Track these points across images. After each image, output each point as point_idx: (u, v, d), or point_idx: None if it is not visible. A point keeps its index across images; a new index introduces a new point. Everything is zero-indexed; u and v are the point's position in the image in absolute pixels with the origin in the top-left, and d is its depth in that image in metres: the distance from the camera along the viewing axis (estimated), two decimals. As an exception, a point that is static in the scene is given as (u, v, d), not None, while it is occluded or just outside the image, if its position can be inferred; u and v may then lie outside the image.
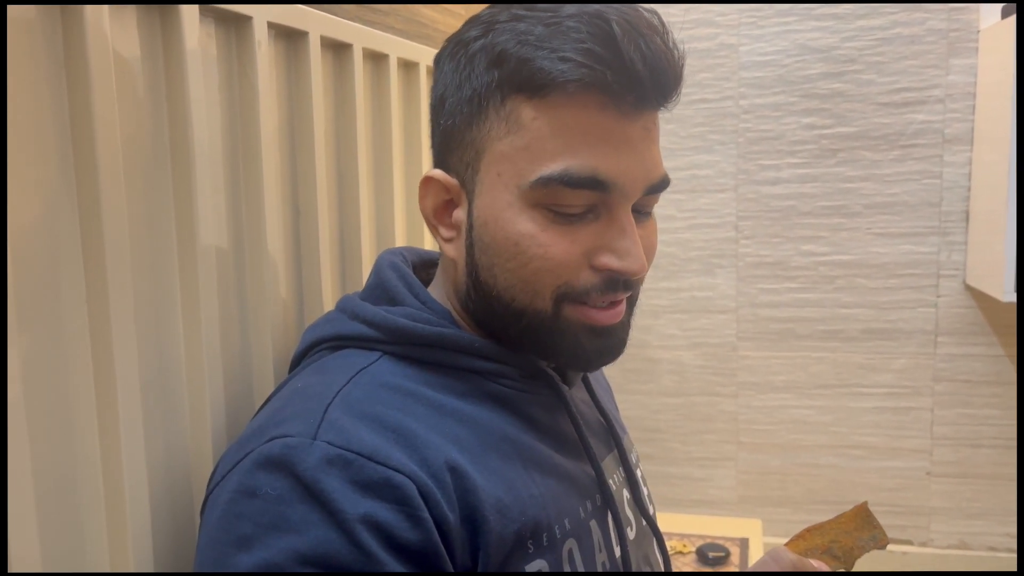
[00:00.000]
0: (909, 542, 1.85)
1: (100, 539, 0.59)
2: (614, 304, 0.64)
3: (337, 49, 0.87)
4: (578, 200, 0.60)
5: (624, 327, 0.66)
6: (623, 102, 0.59)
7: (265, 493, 0.55)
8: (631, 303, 0.67)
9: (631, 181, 0.61)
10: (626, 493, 0.76)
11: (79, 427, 0.57)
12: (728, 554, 1.42)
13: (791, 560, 0.61)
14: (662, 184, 0.64)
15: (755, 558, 1.45)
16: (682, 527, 1.55)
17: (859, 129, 1.74)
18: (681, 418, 1.92)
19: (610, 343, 0.65)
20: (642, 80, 0.58)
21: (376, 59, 0.95)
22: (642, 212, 0.65)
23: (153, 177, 0.64)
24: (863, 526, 0.66)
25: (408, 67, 1.02)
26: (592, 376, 0.82)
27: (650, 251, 0.66)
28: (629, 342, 0.68)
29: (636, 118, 0.60)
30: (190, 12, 0.62)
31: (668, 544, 1.49)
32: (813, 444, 1.86)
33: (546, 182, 0.59)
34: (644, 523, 0.77)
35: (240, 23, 0.70)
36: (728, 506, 1.92)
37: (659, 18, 0.62)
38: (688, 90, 1.81)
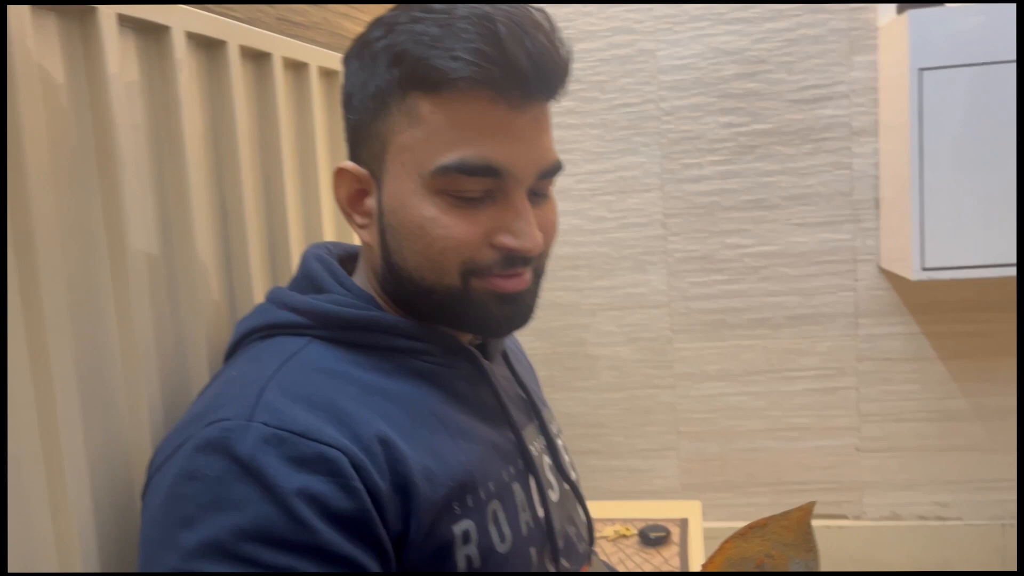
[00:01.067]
0: (844, 516, 1.93)
1: (46, 532, 0.61)
2: (519, 273, 0.69)
3: (258, 58, 0.91)
4: (475, 186, 0.65)
5: (531, 294, 0.72)
6: (510, 96, 0.64)
7: (205, 475, 0.59)
8: (537, 274, 0.73)
9: (523, 167, 0.66)
10: (547, 459, 0.81)
11: (19, 425, 0.60)
12: (669, 533, 1.48)
13: None
14: (554, 169, 0.69)
15: (694, 536, 1.51)
16: (625, 513, 1.61)
17: (773, 126, 1.83)
18: (622, 412, 1.98)
19: (518, 309, 0.70)
20: (527, 75, 0.64)
21: (297, 68, 0.99)
22: (539, 194, 0.70)
23: (81, 184, 0.67)
24: (801, 541, 0.66)
25: (330, 75, 1.07)
26: (513, 356, 0.87)
27: (549, 229, 0.71)
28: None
29: (525, 110, 0.66)
30: (109, 21, 0.66)
31: (612, 529, 1.54)
32: (749, 429, 1.94)
33: (445, 171, 0.65)
34: (567, 487, 0.82)
35: (159, 33, 0.74)
36: (672, 495, 1.98)
37: (546, 16, 0.67)
38: (611, 95, 1.89)
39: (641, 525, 1.53)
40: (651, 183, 1.90)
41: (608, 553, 1.46)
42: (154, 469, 0.64)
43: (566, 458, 0.85)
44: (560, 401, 1.99)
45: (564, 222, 1.93)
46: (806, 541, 0.64)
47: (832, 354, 1.88)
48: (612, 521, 1.57)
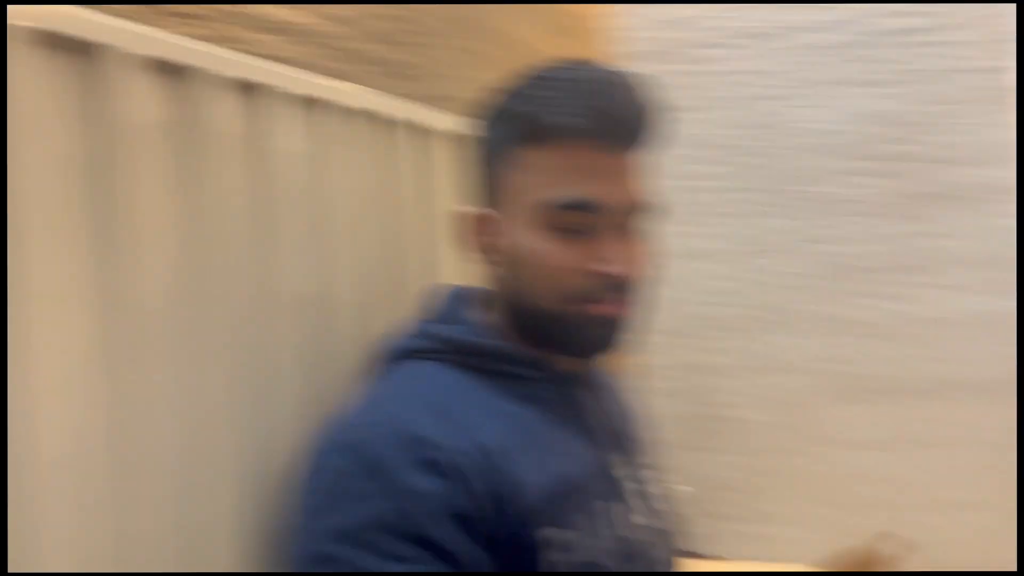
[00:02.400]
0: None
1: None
2: (615, 300, 0.79)
3: (388, 123, 1.01)
4: (576, 220, 0.77)
5: (626, 320, 0.81)
6: (604, 144, 0.77)
7: (339, 472, 0.71)
8: (633, 304, 0.81)
9: (615, 204, 0.78)
10: (632, 485, 0.88)
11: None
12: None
13: None
14: (642, 207, 0.80)
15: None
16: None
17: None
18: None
19: (613, 333, 0.80)
20: (616, 127, 0.77)
21: (425, 132, 1.09)
22: (631, 229, 0.80)
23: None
24: None
25: (456, 138, 1.14)
26: (612, 398, 0.95)
27: (640, 261, 0.81)
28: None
29: (617, 156, 0.78)
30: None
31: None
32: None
33: (550, 207, 0.77)
34: (654, 515, 0.88)
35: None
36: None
37: (636, 76, 0.78)
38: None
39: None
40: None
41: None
42: (303, 467, 0.76)
43: (655, 490, 0.91)
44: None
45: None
46: None
47: None
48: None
